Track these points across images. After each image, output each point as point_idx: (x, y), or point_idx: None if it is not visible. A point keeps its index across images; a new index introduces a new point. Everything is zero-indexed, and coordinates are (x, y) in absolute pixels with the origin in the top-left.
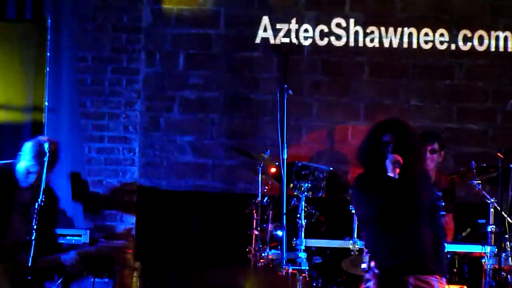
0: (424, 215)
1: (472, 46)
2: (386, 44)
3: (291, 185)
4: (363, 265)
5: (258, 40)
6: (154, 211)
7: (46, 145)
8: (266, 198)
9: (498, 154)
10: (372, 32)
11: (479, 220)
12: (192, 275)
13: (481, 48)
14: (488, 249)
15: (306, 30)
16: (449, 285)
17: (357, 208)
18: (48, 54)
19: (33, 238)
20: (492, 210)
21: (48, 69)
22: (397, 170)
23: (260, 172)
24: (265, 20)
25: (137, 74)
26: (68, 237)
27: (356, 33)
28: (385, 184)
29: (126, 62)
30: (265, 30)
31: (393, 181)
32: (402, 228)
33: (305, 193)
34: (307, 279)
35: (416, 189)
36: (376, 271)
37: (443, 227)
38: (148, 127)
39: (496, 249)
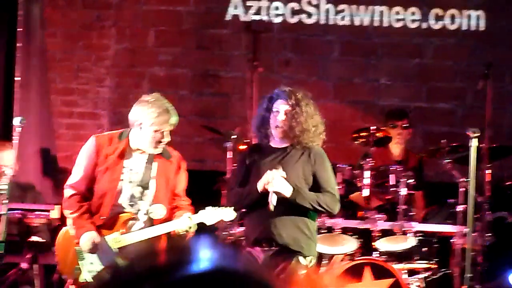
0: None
1: (444, 25)
2: (357, 22)
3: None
4: None
5: (228, 17)
6: None
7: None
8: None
9: (469, 133)
10: (343, 10)
11: (448, 200)
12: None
13: (452, 27)
14: (457, 228)
15: (276, 8)
16: (418, 263)
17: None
18: (19, 29)
19: None
20: (461, 189)
21: (19, 45)
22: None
23: (229, 149)
24: None
25: (107, 50)
26: (37, 212)
27: (327, 10)
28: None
29: (96, 38)
30: (235, 7)
31: None
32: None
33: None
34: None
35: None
36: None
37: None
38: (118, 103)
39: (466, 229)
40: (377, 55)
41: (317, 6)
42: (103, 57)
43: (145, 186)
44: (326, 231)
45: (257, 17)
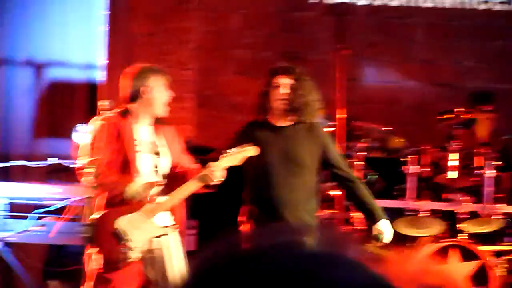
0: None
1: None
2: (440, 5)
3: (346, 144)
4: None
5: (313, 0)
6: None
7: None
8: None
9: None
10: None
11: None
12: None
13: None
14: None
15: None
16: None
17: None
18: (106, 12)
19: None
20: None
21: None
22: None
23: None
24: None
25: (191, 33)
26: None
27: None
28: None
29: (181, 21)
30: None
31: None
32: None
33: (360, 152)
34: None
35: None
36: None
37: None
38: (202, 86)
39: None
40: (460, 37)
41: None
42: (188, 40)
43: (157, 154)
44: (412, 213)
45: (341, 0)
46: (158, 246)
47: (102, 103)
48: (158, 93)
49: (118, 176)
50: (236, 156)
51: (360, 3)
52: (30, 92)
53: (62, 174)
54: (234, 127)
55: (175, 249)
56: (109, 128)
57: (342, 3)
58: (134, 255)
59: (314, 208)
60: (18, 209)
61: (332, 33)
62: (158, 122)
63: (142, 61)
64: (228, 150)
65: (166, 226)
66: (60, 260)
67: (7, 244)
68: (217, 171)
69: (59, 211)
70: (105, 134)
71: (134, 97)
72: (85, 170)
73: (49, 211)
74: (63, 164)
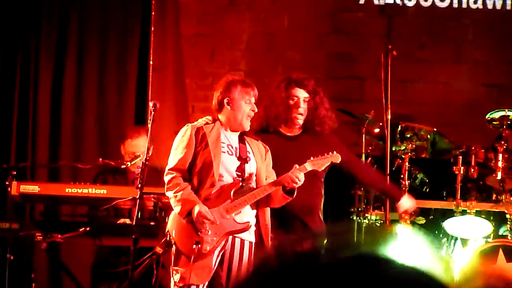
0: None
1: None
2: (490, 6)
3: (395, 145)
4: None
5: (362, 1)
6: None
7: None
8: (369, 159)
9: None
10: None
11: None
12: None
13: None
14: None
15: None
16: None
17: None
18: (154, 13)
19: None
20: None
21: (153, 29)
22: None
23: (363, 132)
24: None
25: (241, 34)
26: None
27: None
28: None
29: (231, 21)
30: None
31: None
32: None
33: (409, 153)
34: None
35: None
36: None
37: None
38: None
39: None
40: (511, 38)
41: None
42: (238, 40)
43: (243, 159)
44: (460, 213)
45: (390, 1)
46: (231, 243)
47: (150, 105)
48: (241, 106)
49: (187, 194)
50: (322, 161)
51: (410, 4)
52: None
53: (110, 175)
54: None
55: (242, 251)
56: (192, 130)
57: (392, 4)
58: (208, 247)
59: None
60: (68, 210)
61: (382, 34)
62: (249, 134)
63: (195, 62)
64: (312, 158)
65: (243, 227)
66: (108, 261)
67: (56, 245)
68: (300, 174)
69: (108, 212)
70: (186, 136)
71: (220, 107)
72: (165, 177)
73: (98, 212)
74: (112, 165)
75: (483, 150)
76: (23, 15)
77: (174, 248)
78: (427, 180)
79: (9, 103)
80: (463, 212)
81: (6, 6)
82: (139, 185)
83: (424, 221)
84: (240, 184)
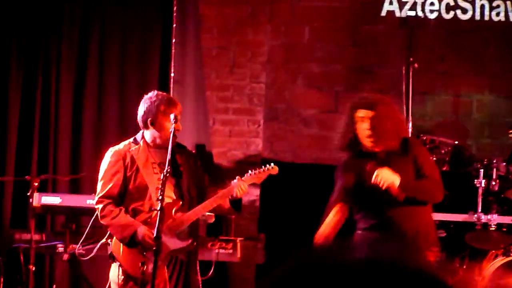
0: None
1: None
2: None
3: None
4: None
5: (383, 13)
6: (278, 184)
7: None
8: None
9: None
10: (498, 6)
11: None
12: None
13: None
14: None
15: (432, 3)
16: None
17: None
18: (175, 25)
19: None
20: None
21: (174, 41)
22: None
23: None
24: None
25: (262, 46)
26: None
27: (482, 6)
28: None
29: (251, 34)
30: (390, 3)
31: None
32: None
33: None
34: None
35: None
36: None
37: None
38: (273, 99)
39: None
40: None
41: (472, 2)
42: (259, 53)
43: (177, 175)
44: (481, 227)
45: (412, 13)
46: (179, 259)
47: (171, 117)
48: (164, 126)
49: (125, 218)
50: (261, 175)
51: (432, 16)
52: None
53: None
54: (303, 140)
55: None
56: (118, 154)
57: (413, 16)
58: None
59: None
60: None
61: (403, 46)
62: (177, 146)
63: (215, 75)
64: (252, 170)
65: (187, 244)
66: None
67: (76, 256)
68: (244, 186)
69: None
70: (113, 161)
71: (144, 125)
72: (96, 205)
73: None
74: None
75: (504, 163)
76: (45, 26)
77: (120, 270)
78: (447, 193)
79: (30, 115)
80: (484, 226)
81: (28, 16)
82: (160, 197)
83: (445, 234)
84: (181, 202)
